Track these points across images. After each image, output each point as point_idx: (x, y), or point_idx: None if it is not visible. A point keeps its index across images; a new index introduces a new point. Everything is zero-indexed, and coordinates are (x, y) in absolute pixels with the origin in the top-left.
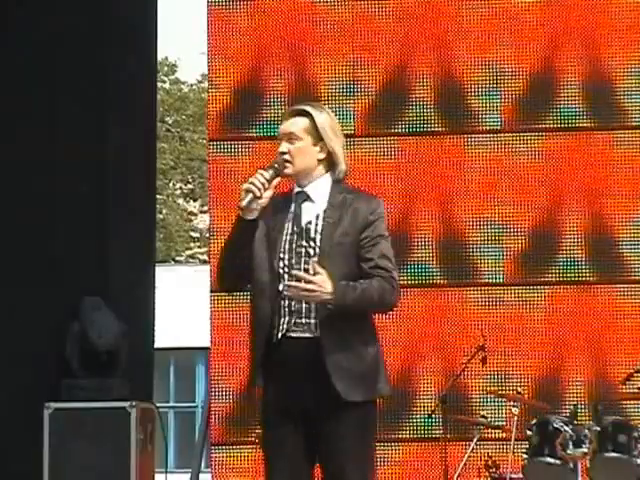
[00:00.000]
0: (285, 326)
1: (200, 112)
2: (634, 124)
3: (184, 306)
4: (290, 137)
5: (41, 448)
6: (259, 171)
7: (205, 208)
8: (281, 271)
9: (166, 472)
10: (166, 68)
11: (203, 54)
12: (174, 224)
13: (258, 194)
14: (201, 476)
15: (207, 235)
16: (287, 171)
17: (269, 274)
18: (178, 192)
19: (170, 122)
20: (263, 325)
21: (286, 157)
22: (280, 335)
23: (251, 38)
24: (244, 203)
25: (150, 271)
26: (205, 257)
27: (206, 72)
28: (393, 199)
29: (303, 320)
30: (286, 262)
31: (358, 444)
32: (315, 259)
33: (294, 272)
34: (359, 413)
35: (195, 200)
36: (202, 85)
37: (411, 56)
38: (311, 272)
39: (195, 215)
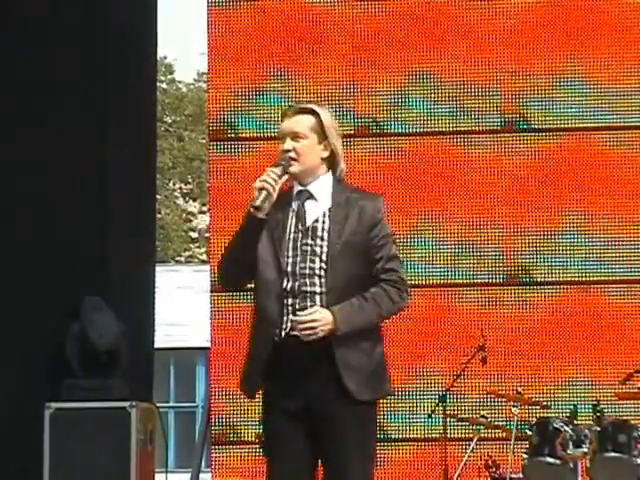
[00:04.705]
0: (289, 324)
1: (198, 112)
2: (634, 124)
3: (184, 306)
4: (295, 135)
5: (41, 448)
6: (268, 169)
7: (204, 208)
8: (288, 269)
9: (166, 472)
10: (163, 68)
11: (203, 54)
12: (171, 224)
13: (272, 191)
14: (201, 476)
15: (207, 235)
16: (292, 169)
17: (276, 272)
18: (177, 192)
19: (169, 122)
20: (268, 324)
21: (291, 154)
22: (284, 334)
23: (251, 38)
24: (259, 202)
25: (150, 271)
26: (204, 257)
27: (203, 71)
28: (393, 199)
29: None
30: (291, 260)
31: (361, 443)
32: (324, 258)
33: (293, 317)
34: (364, 412)
35: (194, 200)
36: (199, 84)
37: (411, 56)
38: (309, 309)
39: (194, 215)
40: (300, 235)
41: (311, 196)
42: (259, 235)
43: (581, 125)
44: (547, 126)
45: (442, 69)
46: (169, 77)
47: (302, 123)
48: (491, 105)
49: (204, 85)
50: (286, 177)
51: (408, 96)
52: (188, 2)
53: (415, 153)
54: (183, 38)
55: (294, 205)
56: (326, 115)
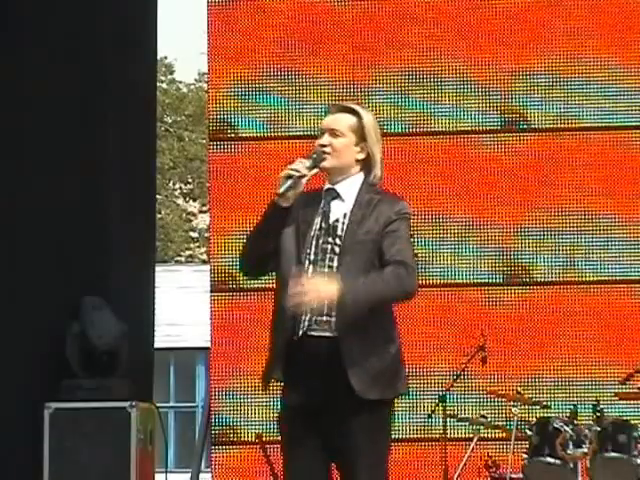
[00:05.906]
0: (307, 324)
1: (198, 112)
2: (634, 124)
3: (184, 306)
4: (334, 132)
5: (41, 448)
6: (299, 159)
7: (204, 208)
8: (307, 267)
9: (166, 472)
10: (164, 68)
11: (203, 54)
12: (171, 224)
13: (297, 180)
14: (201, 476)
15: (207, 235)
16: (325, 164)
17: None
18: (177, 192)
19: (169, 122)
20: (285, 321)
21: (326, 149)
22: (301, 333)
23: (251, 38)
24: (283, 189)
25: (150, 271)
26: (204, 257)
27: (203, 71)
28: None
29: (324, 318)
30: (312, 258)
31: (371, 443)
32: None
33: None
34: (374, 412)
35: (194, 200)
36: (200, 85)
37: (411, 56)
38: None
39: (194, 215)
40: (322, 232)
41: (338, 195)
42: (281, 224)
43: (581, 125)
44: (547, 126)
45: (442, 69)
46: (169, 77)
47: (343, 121)
48: (491, 105)
49: (204, 85)
50: (316, 171)
51: (408, 96)
52: (188, 2)
53: (415, 153)
54: (183, 38)
55: (322, 203)
56: (367, 117)
